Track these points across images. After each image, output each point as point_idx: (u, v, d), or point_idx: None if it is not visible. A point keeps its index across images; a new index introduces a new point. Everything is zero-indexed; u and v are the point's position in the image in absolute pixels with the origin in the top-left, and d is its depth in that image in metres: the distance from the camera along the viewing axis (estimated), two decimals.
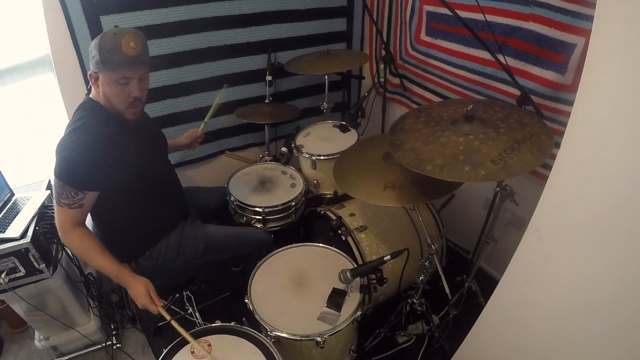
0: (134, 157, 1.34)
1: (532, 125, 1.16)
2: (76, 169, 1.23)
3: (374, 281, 1.36)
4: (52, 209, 1.64)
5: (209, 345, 1.19)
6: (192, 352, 1.17)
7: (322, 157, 1.92)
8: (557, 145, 0.87)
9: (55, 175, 1.25)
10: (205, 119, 1.92)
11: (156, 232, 1.50)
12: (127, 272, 1.32)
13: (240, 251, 1.62)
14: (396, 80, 2.22)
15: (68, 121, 1.35)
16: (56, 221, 1.31)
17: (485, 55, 1.68)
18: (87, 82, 1.78)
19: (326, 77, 2.17)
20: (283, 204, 1.82)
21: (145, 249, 1.48)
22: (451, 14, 1.33)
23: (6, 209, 1.54)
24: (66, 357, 1.82)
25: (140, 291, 1.28)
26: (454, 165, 1.07)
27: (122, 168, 1.30)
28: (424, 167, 1.10)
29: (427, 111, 1.32)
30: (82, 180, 1.25)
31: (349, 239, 1.64)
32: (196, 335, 1.21)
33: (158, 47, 1.87)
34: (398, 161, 1.17)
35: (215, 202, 1.87)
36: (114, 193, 1.34)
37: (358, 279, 1.34)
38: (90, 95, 1.34)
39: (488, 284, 1.48)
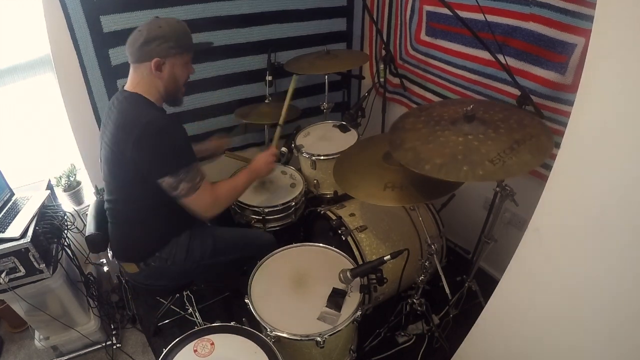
0: None
1: (532, 126, 1.16)
2: (184, 149, 1.32)
3: (374, 281, 1.35)
4: (52, 209, 1.65)
5: (212, 343, 1.19)
6: (195, 351, 1.17)
7: (322, 157, 1.92)
8: (557, 145, 0.87)
9: (172, 173, 1.28)
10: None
11: (169, 231, 1.49)
12: (247, 167, 1.57)
13: (247, 252, 1.62)
14: (396, 80, 2.22)
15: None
16: (201, 205, 1.38)
17: (485, 55, 1.68)
18: (87, 82, 1.79)
19: (326, 77, 2.17)
20: (283, 204, 1.82)
21: (156, 250, 1.47)
22: (451, 14, 1.33)
23: (6, 209, 1.54)
24: (66, 357, 1.83)
25: (263, 159, 1.58)
26: (452, 165, 1.07)
27: None
28: (423, 167, 1.10)
29: (428, 111, 1.32)
30: (192, 153, 1.35)
31: (349, 239, 1.64)
32: (198, 334, 1.22)
33: None
34: (397, 160, 1.17)
35: None
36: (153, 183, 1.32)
37: (358, 279, 1.34)
38: (135, 90, 1.32)
39: (488, 284, 1.47)
